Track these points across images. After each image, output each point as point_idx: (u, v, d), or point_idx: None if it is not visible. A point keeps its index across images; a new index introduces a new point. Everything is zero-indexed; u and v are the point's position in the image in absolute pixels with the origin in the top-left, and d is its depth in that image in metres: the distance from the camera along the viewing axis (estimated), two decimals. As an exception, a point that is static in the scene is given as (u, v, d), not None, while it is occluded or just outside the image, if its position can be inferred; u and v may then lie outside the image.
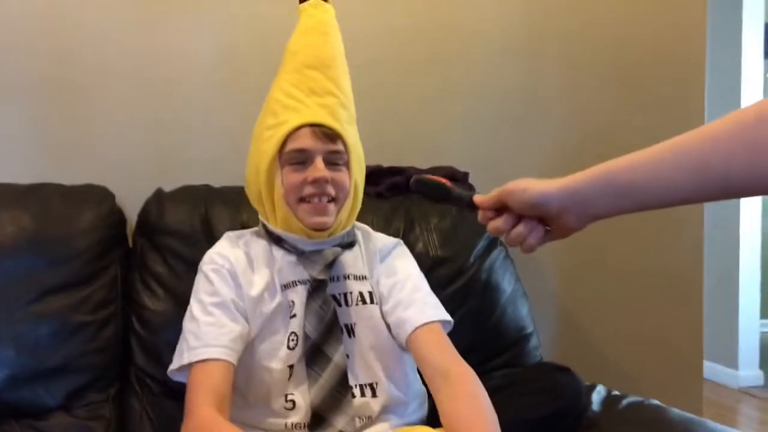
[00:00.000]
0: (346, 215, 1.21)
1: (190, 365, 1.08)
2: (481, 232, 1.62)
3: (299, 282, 1.18)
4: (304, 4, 1.25)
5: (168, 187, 1.53)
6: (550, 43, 1.93)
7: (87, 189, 1.47)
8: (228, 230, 1.28)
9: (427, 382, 1.12)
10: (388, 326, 1.19)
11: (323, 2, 1.25)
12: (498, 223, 0.87)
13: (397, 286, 1.21)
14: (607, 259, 1.95)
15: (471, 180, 1.75)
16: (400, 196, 1.64)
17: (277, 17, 1.60)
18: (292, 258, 1.19)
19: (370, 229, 1.33)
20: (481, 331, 1.52)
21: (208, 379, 1.05)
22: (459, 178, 1.75)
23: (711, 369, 3.14)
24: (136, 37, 1.63)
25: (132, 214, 1.51)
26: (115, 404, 1.35)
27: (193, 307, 1.15)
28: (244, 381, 1.14)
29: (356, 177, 1.21)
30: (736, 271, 3.43)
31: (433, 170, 1.74)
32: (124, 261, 1.45)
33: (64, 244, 1.36)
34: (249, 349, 1.13)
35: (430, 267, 1.47)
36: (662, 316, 1.97)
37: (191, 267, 1.38)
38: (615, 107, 1.97)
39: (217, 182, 1.57)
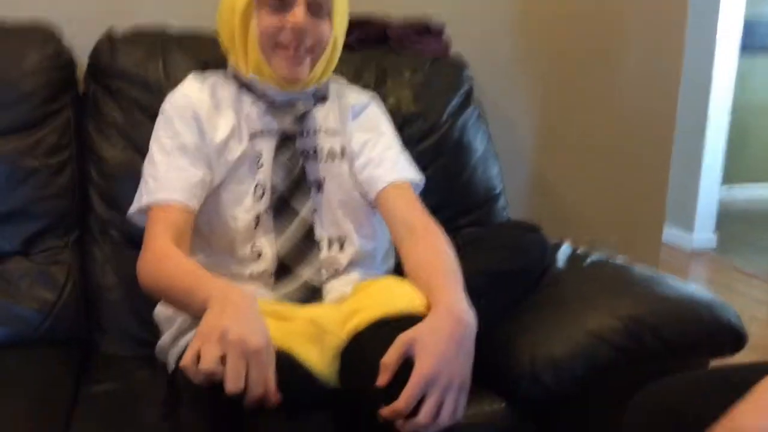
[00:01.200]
0: (321, 69, 1.15)
1: (149, 208, 1.06)
2: (455, 87, 1.56)
3: (267, 132, 1.14)
4: None
5: (118, 25, 1.42)
6: None
7: (31, 28, 1.36)
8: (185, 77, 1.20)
9: (393, 237, 1.13)
10: (358, 182, 1.17)
11: None
12: None
13: (369, 144, 1.18)
14: (580, 121, 1.93)
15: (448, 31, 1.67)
16: (372, 50, 1.57)
17: None
18: (262, 106, 1.14)
19: (345, 83, 1.27)
20: (450, 190, 1.52)
21: (167, 218, 1.04)
22: (434, 31, 1.67)
23: (666, 231, 3.24)
24: None
25: (80, 55, 1.41)
26: (75, 251, 1.33)
27: (153, 149, 1.11)
28: (208, 227, 1.12)
29: (337, 30, 1.14)
30: (702, 136, 3.46)
31: (408, 24, 1.64)
32: (77, 107, 1.37)
33: (9, 86, 1.29)
34: (213, 196, 1.11)
35: (401, 123, 1.43)
36: (629, 178, 1.99)
37: (149, 116, 1.32)
38: None
39: (171, 21, 1.46)
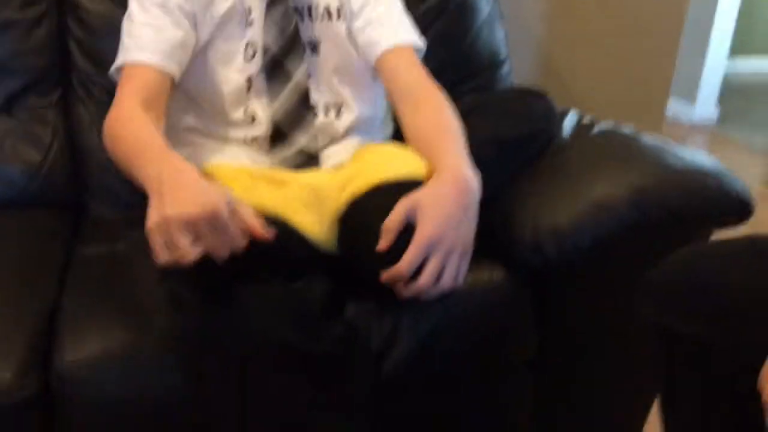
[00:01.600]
0: None
1: (123, 68, 0.99)
2: (461, -60, 1.44)
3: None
4: None
5: None
6: None
7: None
8: None
9: (392, 101, 1.07)
10: (357, 45, 1.10)
11: None
12: None
13: (369, 3, 1.10)
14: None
15: None
16: None
17: None
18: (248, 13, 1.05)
19: None
20: (453, 54, 1.44)
21: (140, 79, 0.97)
22: None
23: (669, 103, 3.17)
24: None
25: None
26: (59, 110, 1.27)
27: (132, 4, 1.03)
28: (198, 89, 1.06)
29: None
30: (714, 6, 3.30)
31: None
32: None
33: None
34: (200, 56, 1.04)
35: (402, -21, 1.33)
36: (638, 48, 1.91)
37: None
38: None
39: None
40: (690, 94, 3.46)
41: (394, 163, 0.96)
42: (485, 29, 1.47)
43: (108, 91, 1.25)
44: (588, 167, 1.14)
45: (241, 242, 0.76)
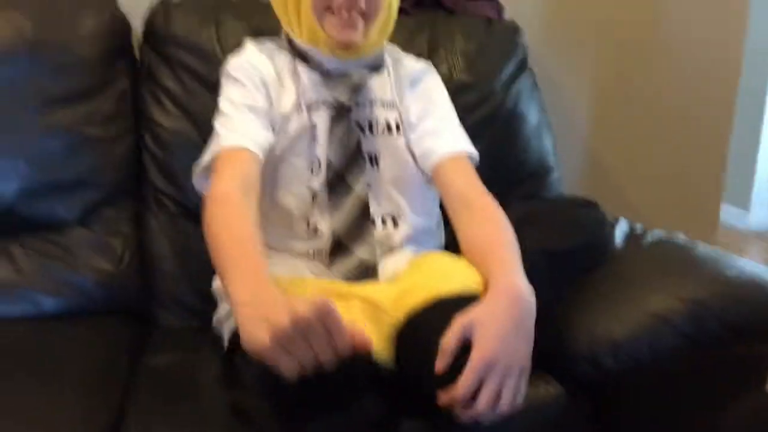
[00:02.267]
0: (376, 34, 1.12)
1: (217, 157, 1.02)
2: (509, 54, 1.52)
3: (322, 104, 1.12)
4: None
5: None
6: None
7: (86, -8, 1.36)
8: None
9: (448, 210, 1.10)
10: (414, 155, 1.15)
11: None
12: None
13: (426, 115, 1.16)
14: (635, 93, 1.85)
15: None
16: (425, 13, 1.52)
17: None
18: (316, 77, 1.12)
19: (400, 51, 1.24)
20: (503, 161, 1.48)
21: (237, 163, 1.01)
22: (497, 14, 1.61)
23: (721, 210, 3.12)
24: None
25: (135, 21, 1.41)
26: (132, 222, 1.34)
27: (223, 106, 1.09)
28: (264, 202, 1.10)
29: None
30: (763, 106, 3.30)
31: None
32: (132, 74, 1.37)
33: (66, 51, 1.29)
34: (271, 170, 1.09)
35: (453, 92, 1.38)
36: (686, 155, 1.91)
37: (203, 83, 1.33)
38: None
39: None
40: (743, 200, 3.39)
41: (449, 276, 0.97)
42: (534, 138, 1.51)
43: (177, 202, 1.33)
44: (643, 278, 1.14)
45: (346, 349, 0.75)
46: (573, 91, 1.82)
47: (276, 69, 1.12)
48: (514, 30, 1.56)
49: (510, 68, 1.51)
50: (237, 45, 1.19)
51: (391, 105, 1.16)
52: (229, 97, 1.09)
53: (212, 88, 1.15)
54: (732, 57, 1.86)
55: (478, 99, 1.46)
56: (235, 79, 1.10)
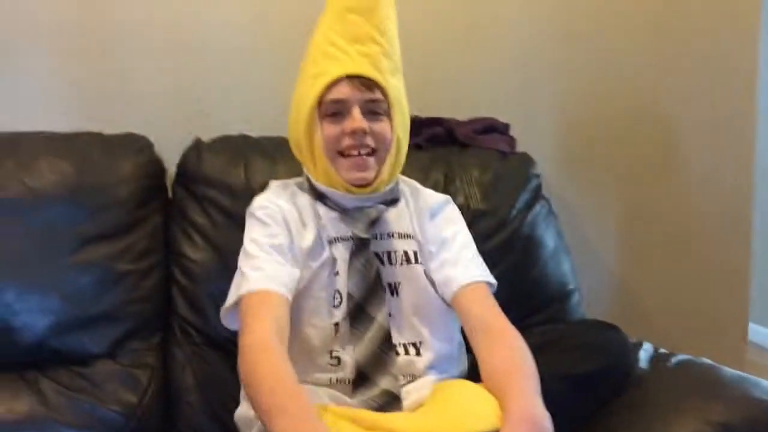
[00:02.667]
0: (388, 170, 1.18)
1: (247, 298, 1.05)
2: (524, 183, 1.58)
3: (342, 239, 1.16)
4: None
5: (206, 137, 1.51)
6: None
7: (126, 138, 1.46)
8: (266, 181, 1.25)
9: (468, 337, 1.12)
10: (434, 283, 1.17)
11: None
12: None
13: (446, 244, 1.20)
14: (651, 217, 1.89)
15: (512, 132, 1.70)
16: (440, 148, 1.60)
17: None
18: (335, 214, 1.17)
19: (418, 185, 1.30)
20: (522, 287, 1.50)
21: (270, 307, 1.03)
22: (500, 129, 1.70)
23: (755, 331, 3.04)
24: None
25: (170, 164, 1.50)
26: (158, 353, 1.36)
27: (249, 247, 1.12)
28: (290, 334, 1.11)
29: (398, 129, 1.17)
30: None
31: (474, 122, 1.69)
32: (164, 211, 1.44)
33: (104, 193, 1.36)
34: (294, 304, 1.11)
35: (470, 220, 1.43)
36: (710, 273, 1.91)
37: (230, 218, 1.39)
38: (652, 54, 1.85)
39: (254, 132, 1.54)
40: None
41: (471, 412, 0.97)
42: (551, 263, 1.54)
43: (203, 333, 1.36)
44: (669, 401, 1.12)
45: None
46: (591, 216, 1.85)
47: (297, 208, 1.17)
48: (527, 161, 1.63)
49: (525, 197, 1.56)
50: (264, 182, 1.26)
51: (408, 236, 1.19)
52: (254, 238, 1.12)
53: (239, 222, 1.20)
54: (743, 178, 1.90)
55: (495, 226, 1.50)
56: (259, 219, 1.15)
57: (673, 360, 1.27)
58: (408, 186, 1.27)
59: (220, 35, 1.62)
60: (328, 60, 1.13)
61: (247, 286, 1.06)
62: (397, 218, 1.20)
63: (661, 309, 1.89)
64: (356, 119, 1.11)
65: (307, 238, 1.15)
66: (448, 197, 1.30)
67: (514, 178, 1.58)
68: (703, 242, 1.90)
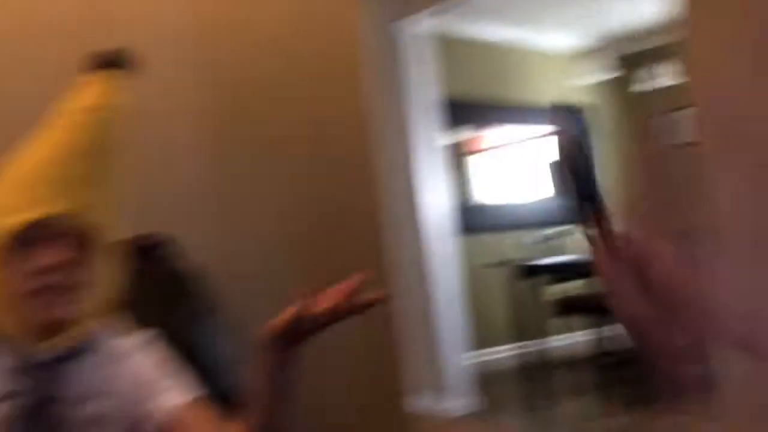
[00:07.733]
0: (80, 313, 1.07)
1: None
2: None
3: (8, 396, 1.02)
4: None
5: None
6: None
7: None
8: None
9: None
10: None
11: None
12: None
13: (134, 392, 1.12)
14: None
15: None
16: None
17: None
18: (9, 363, 1.03)
19: (111, 327, 1.18)
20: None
21: None
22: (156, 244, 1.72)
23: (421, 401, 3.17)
24: None
25: None
26: None
27: None
28: None
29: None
30: (435, 315, 3.65)
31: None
32: None
33: None
34: None
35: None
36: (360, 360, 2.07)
37: None
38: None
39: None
40: (438, 390, 3.54)
41: None
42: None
43: None
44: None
45: None
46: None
47: None
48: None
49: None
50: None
51: (97, 395, 1.09)
52: None
53: None
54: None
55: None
56: None
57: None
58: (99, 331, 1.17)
59: None
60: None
61: None
62: (88, 372, 1.11)
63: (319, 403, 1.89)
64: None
65: None
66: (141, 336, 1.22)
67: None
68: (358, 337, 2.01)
